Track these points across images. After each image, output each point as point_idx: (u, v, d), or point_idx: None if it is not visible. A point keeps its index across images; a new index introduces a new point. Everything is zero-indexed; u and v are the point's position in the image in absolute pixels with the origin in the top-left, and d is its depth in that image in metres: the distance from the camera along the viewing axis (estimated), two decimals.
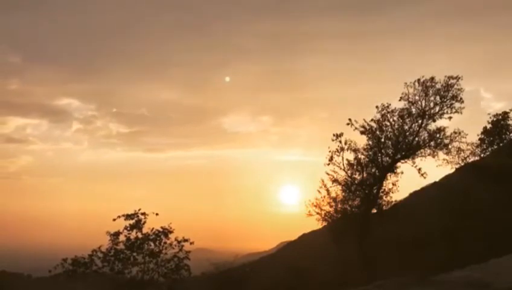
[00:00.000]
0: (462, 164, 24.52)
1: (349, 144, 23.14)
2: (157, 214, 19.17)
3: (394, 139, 23.08)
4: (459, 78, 22.61)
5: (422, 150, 23.12)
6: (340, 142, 23.07)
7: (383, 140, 23.15)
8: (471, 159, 25.04)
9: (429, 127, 23.09)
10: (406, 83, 22.99)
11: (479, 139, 25.98)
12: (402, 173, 23.54)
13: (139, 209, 18.83)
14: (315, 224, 25.23)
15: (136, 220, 18.70)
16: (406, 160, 23.17)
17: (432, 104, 22.86)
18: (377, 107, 23.11)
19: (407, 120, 23.02)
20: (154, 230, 18.80)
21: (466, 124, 25.49)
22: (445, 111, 22.88)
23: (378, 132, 23.10)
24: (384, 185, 23.32)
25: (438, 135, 23.01)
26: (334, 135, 23.16)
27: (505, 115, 26.18)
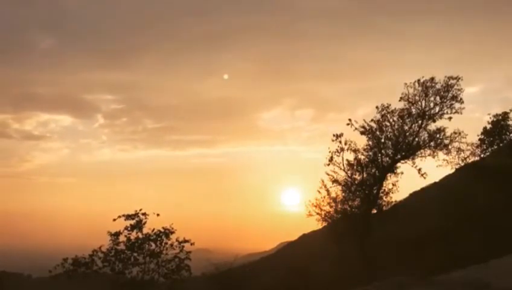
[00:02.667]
0: (462, 164, 24.49)
1: (349, 144, 23.17)
2: (158, 215, 19.17)
3: (394, 139, 23.09)
4: (459, 78, 22.67)
5: (422, 151, 23.12)
6: (340, 142, 23.11)
7: (383, 140, 23.16)
8: (471, 159, 24.99)
9: (429, 127, 23.12)
10: (405, 84, 23.05)
11: (479, 139, 25.90)
12: (402, 173, 23.56)
13: (140, 210, 18.84)
14: (316, 224, 25.26)
15: (136, 221, 18.71)
16: (405, 160, 23.18)
17: (431, 105, 22.89)
18: (377, 107, 23.18)
19: (407, 120, 23.04)
20: (155, 230, 18.80)
21: None
22: (445, 111, 22.89)
23: (378, 132, 23.12)
24: (384, 185, 23.33)
25: (437, 135, 23.02)
26: (334, 135, 23.21)
27: (505, 115, 26.10)
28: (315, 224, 25.09)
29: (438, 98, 22.81)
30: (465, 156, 23.92)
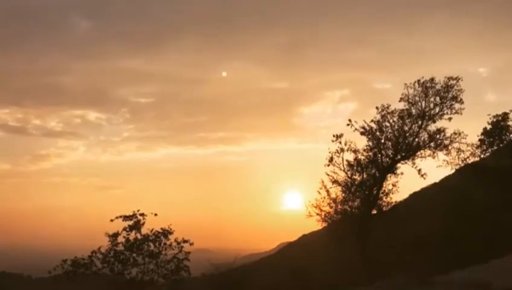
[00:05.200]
0: (462, 165, 24.47)
1: (349, 144, 23.16)
2: (155, 215, 19.13)
3: (394, 140, 23.06)
4: (459, 78, 22.66)
5: (422, 151, 23.10)
6: (340, 143, 23.10)
7: (383, 141, 23.14)
8: (471, 160, 24.97)
9: (429, 128, 23.10)
10: (405, 84, 23.04)
11: (479, 140, 25.87)
12: (402, 173, 23.56)
13: (138, 210, 18.80)
14: (316, 225, 25.22)
15: (134, 221, 18.67)
16: (405, 161, 23.16)
17: (431, 105, 22.87)
18: (377, 108, 23.17)
19: (407, 121, 23.02)
20: (153, 231, 18.77)
21: None
22: (445, 112, 22.88)
23: (378, 133, 23.10)
24: (384, 185, 23.31)
25: (437, 136, 23.01)
26: (334, 136, 23.20)
27: (505, 115, 26.06)
28: (315, 224, 25.10)
29: (437, 98, 22.82)
30: (465, 156, 23.91)
